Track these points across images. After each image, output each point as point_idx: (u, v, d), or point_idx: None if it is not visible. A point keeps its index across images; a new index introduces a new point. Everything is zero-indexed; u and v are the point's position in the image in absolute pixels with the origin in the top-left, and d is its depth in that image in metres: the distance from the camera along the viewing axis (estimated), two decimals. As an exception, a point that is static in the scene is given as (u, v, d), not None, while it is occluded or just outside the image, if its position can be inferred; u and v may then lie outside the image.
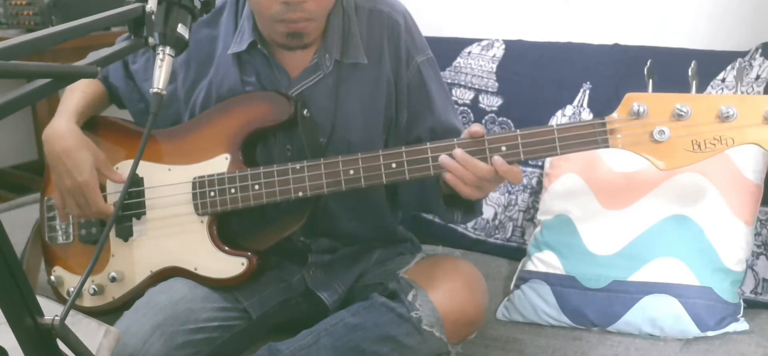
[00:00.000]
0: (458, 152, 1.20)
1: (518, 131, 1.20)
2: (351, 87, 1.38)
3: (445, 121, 1.42)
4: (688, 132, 1.12)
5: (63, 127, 1.38)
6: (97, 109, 1.51)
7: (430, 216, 1.86)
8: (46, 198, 1.50)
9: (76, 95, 1.45)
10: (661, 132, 1.13)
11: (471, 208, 1.37)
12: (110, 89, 1.53)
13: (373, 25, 1.40)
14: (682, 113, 1.12)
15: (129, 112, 1.55)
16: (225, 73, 1.39)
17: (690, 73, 1.14)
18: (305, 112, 1.33)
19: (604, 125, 1.16)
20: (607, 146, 1.16)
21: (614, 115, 1.16)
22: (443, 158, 1.21)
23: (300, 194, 1.29)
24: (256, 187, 1.31)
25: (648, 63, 1.16)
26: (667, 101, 1.13)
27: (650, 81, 1.15)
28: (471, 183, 1.21)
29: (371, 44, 1.39)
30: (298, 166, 1.29)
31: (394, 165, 1.24)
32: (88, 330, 1.10)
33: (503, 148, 1.20)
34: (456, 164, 1.20)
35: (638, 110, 1.13)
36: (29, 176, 3.23)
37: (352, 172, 1.26)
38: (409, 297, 1.34)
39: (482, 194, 1.25)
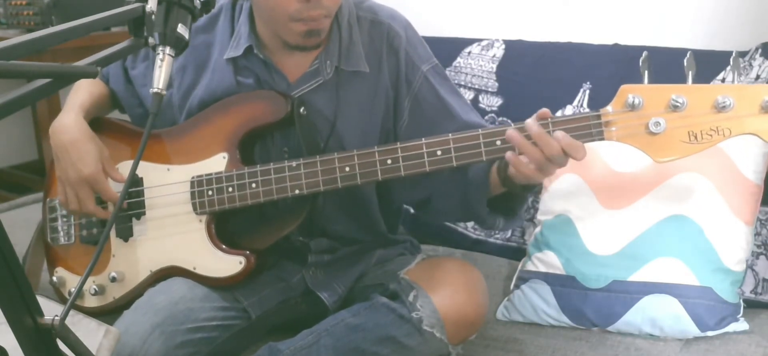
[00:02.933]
0: (531, 123, 1.14)
1: (513, 124, 1.19)
2: (350, 94, 1.38)
3: (468, 121, 1.38)
4: (685, 123, 1.10)
5: (70, 120, 1.39)
6: (102, 109, 1.52)
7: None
8: (48, 199, 1.51)
9: (83, 94, 1.46)
10: (657, 124, 1.11)
11: (514, 213, 1.34)
12: (111, 92, 1.54)
13: (373, 36, 1.39)
14: (678, 104, 1.10)
15: (128, 116, 1.56)
16: (221, 77, 1.39)
17: (686, 64, 1.12)
18: (302, 110, 1.33)
19: (598, 117, 1.15)
20: (602, 139, 1.15)
21: (609, 107, 1.14)
22: (511, 132, 1.16)
23: (297, 191, 1.29)
24: (253, 185, 1.31)
25: (643, 54, 1.14)
26: (662, 92, 1.11)
27: (646, 73, 1.13)
28: (536, 160, 1.14)
29: (371, 54, 1.38)
30: (294, 163, 1.29)
31: (389, 161, 1.24)
32: (88, 330, 1.10)
33: (498, 142, 1.19)
34: (524, 140, 1.14)
35: (633, 101, 1.12)
36: (29, 176, 3.23)
37: (347, 169, 1.26)
38: (410, 298, 1.34)
39: (543, 176, 1.17)
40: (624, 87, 1.14)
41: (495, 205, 1.33)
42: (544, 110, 1.17)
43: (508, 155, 1.17)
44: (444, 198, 1.40)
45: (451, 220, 1.54)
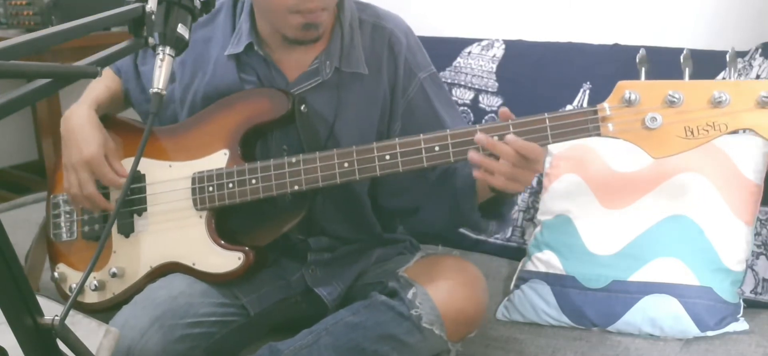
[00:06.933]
0: (480, 136, 1.17)
1: (510, 120, 1.19)
2: (350, 96, 1.39)
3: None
4: (681, 119, 1.11)
5: (82, 109, 1.43)
6: (117, 106, 1.55)
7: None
8: (52, 196, 1.52)
9: (100, 88, 1.49)
10: (653, 119, 1.11)
11: (503, 217, 1.37)
12: (125, 91, 1.56)
13: (374, 39, 1.40)
14: (675, 100, 1.10)
15: (136, 112, 1.58)
16: (223, 73, 1.40)
17: (682, 60, 1.12)
18: (303, 107, 1.34)
19: (595, 112, 1.15)
20: (599, 134, 1.15)
21: (605, 103, 1.15)
22: (471, 153, 1.18)
23: (295, 187, 1.29)
24: (253, 181, 1.31)
25: (640, 51, 1.15)
26: (659, 88, 1.12)
27: (643, 69, 1.14)
28: (502, 172, 1.17)
29: (372, 57, 1.39)
30: (294, 160, 1.30)
31: (387, 157, 1.25)
32: (88, 330, 1.10)
33: (495, 138, 1.19)
34: (482, 156, 1.18)
35: (630, 97, 1.12)
36: (29, 176, 3.23)
37: (346, 165, 1.27)
38: (409, 295, 1.34)
39: (516, 185, 1.20)
40: (621, 83, 1.14)
41: (486, 210, 1.34)
42: (504, 110, 1.19)
43: (476, 173, 1.19)
44: (433, 208, 1.41)
45: (441, 229, 1.56)
